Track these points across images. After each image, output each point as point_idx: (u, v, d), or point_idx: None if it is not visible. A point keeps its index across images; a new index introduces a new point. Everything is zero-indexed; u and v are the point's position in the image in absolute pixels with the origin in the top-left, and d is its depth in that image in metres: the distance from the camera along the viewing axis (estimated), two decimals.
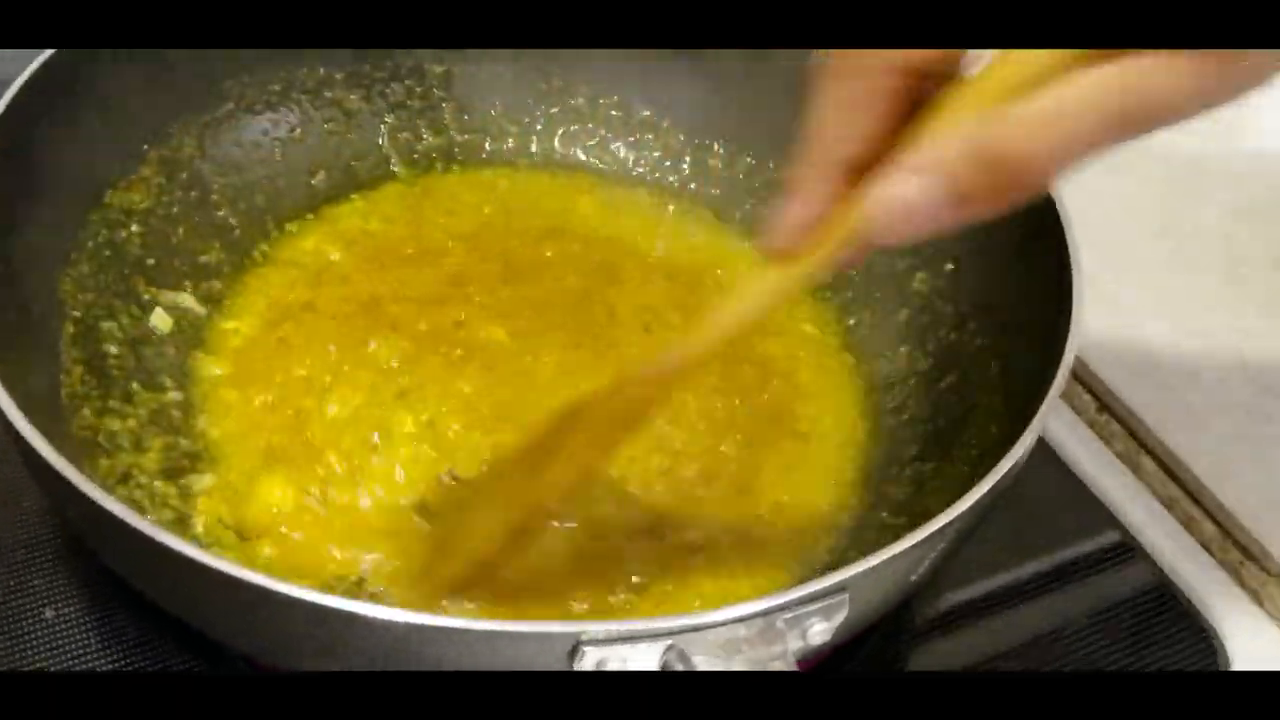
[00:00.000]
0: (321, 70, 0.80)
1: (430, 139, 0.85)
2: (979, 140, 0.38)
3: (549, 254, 0.79)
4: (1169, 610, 0.68)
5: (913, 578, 0.51)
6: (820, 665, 0.59)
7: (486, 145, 0.86)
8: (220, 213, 0.75)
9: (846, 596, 0.45)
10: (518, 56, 0.85)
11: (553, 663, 0.44)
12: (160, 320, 0.69)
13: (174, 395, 0.67)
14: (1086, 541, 0.71)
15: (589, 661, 0.43)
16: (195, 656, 0.60)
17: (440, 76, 0.84)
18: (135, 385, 0.65)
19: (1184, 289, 0.85)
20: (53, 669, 0.59)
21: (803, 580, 0.46)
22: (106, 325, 0.66)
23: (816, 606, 0.45)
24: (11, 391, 0.49)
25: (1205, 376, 0.78)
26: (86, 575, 0.63)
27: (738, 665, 0.43)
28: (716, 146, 0.85)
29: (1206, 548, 0.72)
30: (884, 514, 0.65)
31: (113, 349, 0.66)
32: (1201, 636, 0.67)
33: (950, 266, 0.73)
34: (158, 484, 0.62)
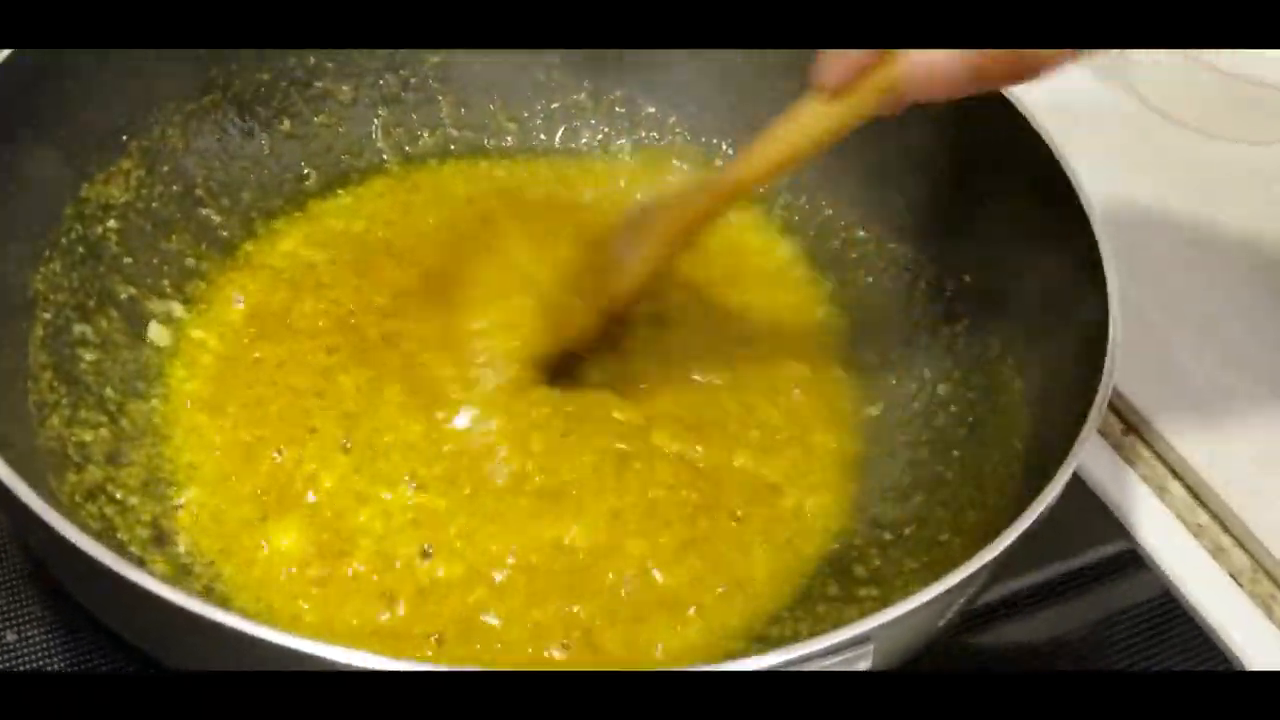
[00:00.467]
0: (312, 60, 0.77)
1: (425, 133, 0.81)
2: None
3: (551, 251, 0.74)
4: (1182, 629, 0.66)
5: (940, 624, 0.48)
6: None
7: (484, 140, 0.82)
8: (203, 210, 0.72)
9: (870, 648, 0.42)
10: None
11: None
12: (157, 334, 0.66)
13: (155, 404, 0.64)
14: (1121, 582, 0.68)
15: None
16: None
17: (436, 67, 0.81)
18: (109, 393, 0.62)
19: (1212, 299, 0.82)
20: None
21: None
22: (79, 328, 0.63)
23: (839, 659, 0.42)
24: None
25: (1237, 397, 0.75)
26: (52, 596, 0.59)
27: None
28: (724, 145, 0.82)
29: (1236, 579, 0.69)
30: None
31: (86, 354, 0.62)
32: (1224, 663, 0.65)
33: (968, 278, 0.70)
34: (134, 500, 0.58)
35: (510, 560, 0.59)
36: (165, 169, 0.70)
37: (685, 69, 0.81)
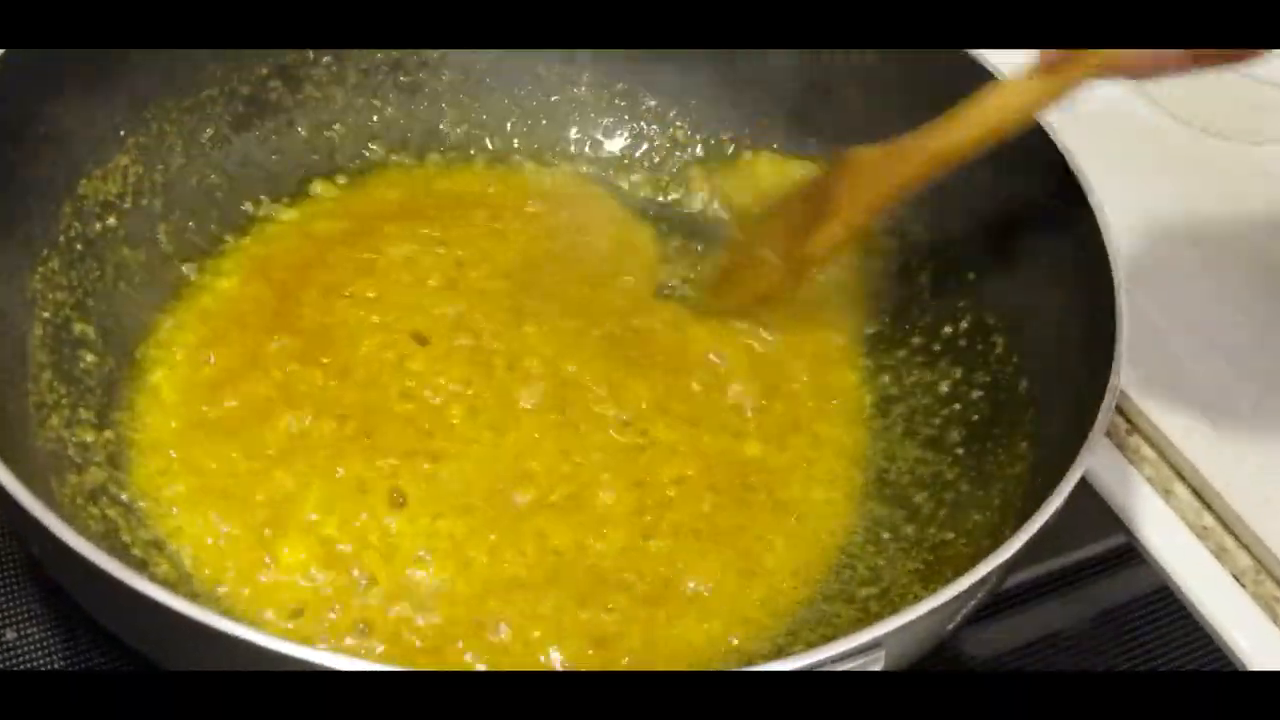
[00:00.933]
0: (311, 54, 0.76)
1: (424, 127, 0.80)
2: None
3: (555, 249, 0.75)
4: (1184, 630, 0.66)
5: (949, 627, 0.48)
6: None
7: (485, 136, 0.82)
8: (203, 204, 0.71)
9: (882, 653, 0.42)
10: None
11: None
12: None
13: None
14: (1124, 581, 0.68)
15: None
16: None
17: (435, 61, 0.80)
18: (111, 394, 0.61)
19: (1218, 300, 0.82)
20: None
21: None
22: (79, 328, 0.62)
23: (851, 665, 0.41)
24: None
25: (1243, 399, 0.75)
26: (51, 594, 0.59)
27: None
28: (725, 138, 0.81)
29: (1240, 580, 0.68)
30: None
31: (86, 354, 0.62)
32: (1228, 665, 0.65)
33: (972, 276, 0.70)
34: (142, 504, 0.58)
35: (524, 560, 0.59)
36: (163, 165, 0.69)
37: (686, 63, 0.80)
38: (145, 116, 0.68)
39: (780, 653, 0.56)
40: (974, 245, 0.69)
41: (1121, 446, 0.74)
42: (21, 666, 0.57)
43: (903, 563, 0.61)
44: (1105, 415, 0.52)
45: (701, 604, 0.59)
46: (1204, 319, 0.81)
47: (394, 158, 0.79)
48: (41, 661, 0.57)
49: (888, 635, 0.42)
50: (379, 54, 0.78)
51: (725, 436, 0.66)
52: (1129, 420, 0.75)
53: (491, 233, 0.75)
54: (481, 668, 0.54)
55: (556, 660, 0.55)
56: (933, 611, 0.43)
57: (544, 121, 0.82)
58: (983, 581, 0.45)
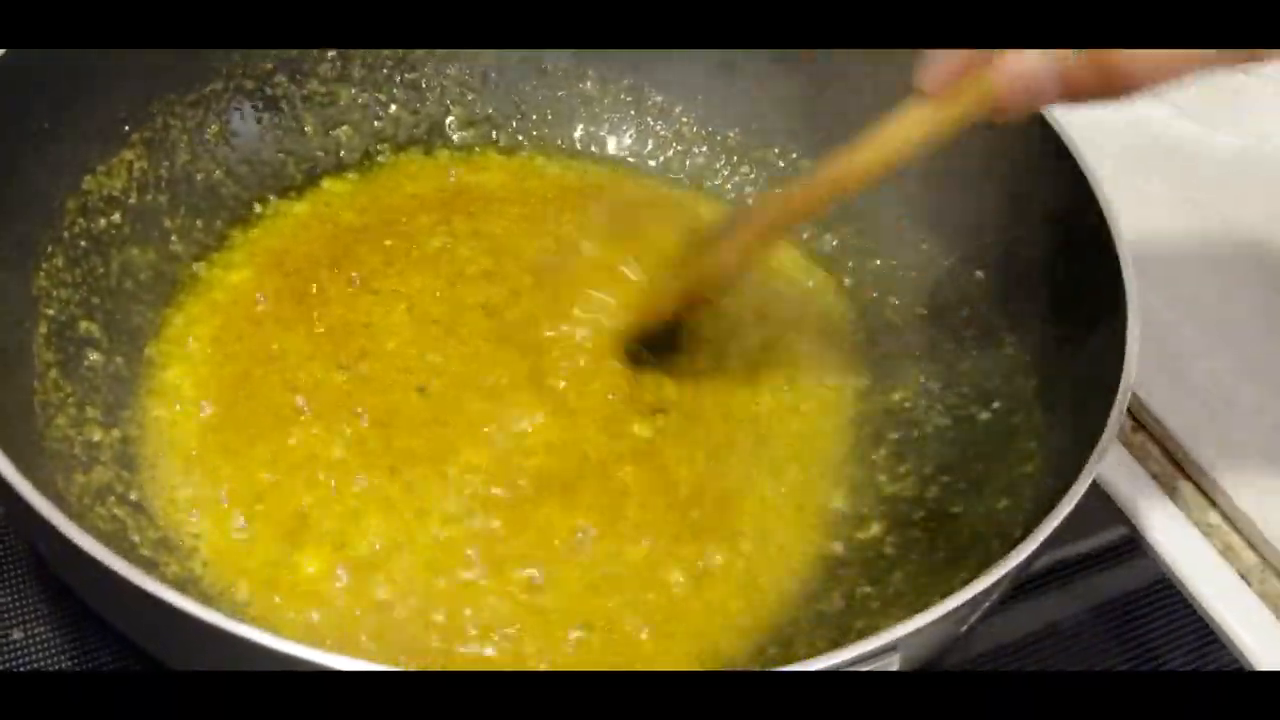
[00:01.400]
0: (314, 49, 0.76)
1: (429, 122, 0.80)
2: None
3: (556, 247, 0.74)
4: (1190, 629, 0.66)
5: (963, 629, 0.48)
6: None
7: (488, 129, 0.81)
8: (208, 198, 0.71)
9: (897, 655, 0.42)
10: None
11: None
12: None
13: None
14: (1129, 579, 0.68)
15: None
16: None
17: (441, 56, 0.80)
18: (118, 393, 0.61)
19: (1226, 298, 0.82)
20: None
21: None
22: (85, 325, 0.61)
23: (866, 669, 0.41)
24: None
25: (1249, 397, 0.75)
26: (58, 593, 0.59)
27: None
28: (731, 136, 0.81)
29: (1245, 578, 0.68)
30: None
31: (92, 352, 0.61)
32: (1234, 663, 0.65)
33: (980, 275, 0.70)
34: (150, 503, 0.57)
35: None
36: (168, 160, 0.69)
37: (692, 59, 0.80)
38: (150, 111, 0.68)
39: (762, 654, 0.57)
40: (981, 243, 0.69)
41: (1127, 443, 0.74)
42: (28, 666, 0.56)
43: (904, 563, 0.60)
44: (1116, 419, 0.52)
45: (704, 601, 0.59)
46: (1211, 316, 0.81)
47: (403, 154, 0.79)
48: (48, 661, 0.57)
49: (903, 638, 0.43)
50: (384, 50, 0.78)
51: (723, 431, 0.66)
52: (1134, 417, 0.75)
53: (520, 221, 0.75)
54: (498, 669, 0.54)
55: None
56: (948, 615, 0.44)
57: (549, 116, 0.82)
58: (996, 584, 0.45)
